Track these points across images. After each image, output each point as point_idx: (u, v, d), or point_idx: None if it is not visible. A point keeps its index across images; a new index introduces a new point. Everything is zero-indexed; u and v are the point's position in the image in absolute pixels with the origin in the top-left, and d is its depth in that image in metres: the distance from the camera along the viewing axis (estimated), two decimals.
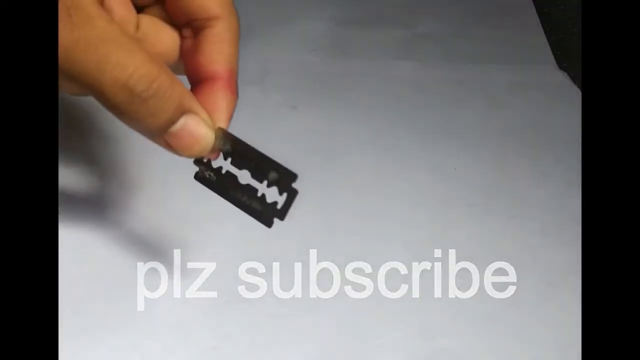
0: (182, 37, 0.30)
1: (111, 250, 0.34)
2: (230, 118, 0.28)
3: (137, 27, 0.29)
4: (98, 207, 0.36)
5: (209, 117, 0.27)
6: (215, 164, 0.29)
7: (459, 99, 0.49)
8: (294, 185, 0.27)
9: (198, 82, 0.29)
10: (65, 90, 0.29)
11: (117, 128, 0.40)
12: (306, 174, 0.28)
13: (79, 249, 0.34)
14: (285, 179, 0.27)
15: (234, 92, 0.29)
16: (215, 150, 0.28)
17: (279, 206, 0.28)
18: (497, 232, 0.39)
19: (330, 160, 0.42)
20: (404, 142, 0.45)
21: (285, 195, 0.28)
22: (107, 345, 0.30)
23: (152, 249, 0.34)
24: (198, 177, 0.29)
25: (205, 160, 0.29)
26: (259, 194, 0.28)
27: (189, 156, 0.28)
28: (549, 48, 0.55)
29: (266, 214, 0.28)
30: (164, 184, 0.38)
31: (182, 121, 0.26)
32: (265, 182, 0.28)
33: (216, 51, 0.29)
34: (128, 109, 0.25)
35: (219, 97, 0.28)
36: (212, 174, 0.29)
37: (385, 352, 0.32)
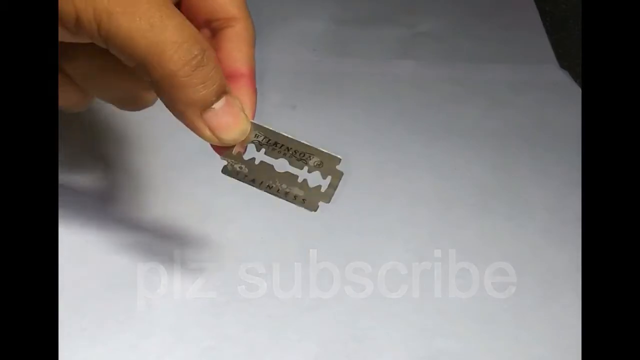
0: None
1: (111, 250, 0.34)
2: (254, 114, 0.28)
3: None
4: (98, 208, 0.36)
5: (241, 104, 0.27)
6: (246, 156, 0.28)
7: (459, 98, 0.49)
8: (338, 167, 0.27)
9: None
10: (108, 86, 0.28)
11: (119, 129, 0.40)
12: None
13: (79, 249, 0.34)
14: (329, 163, 0.27)
15: (255, 91, 0.29)
16: (247, 142, 0.28)
17: (322, 190, 0.28)
18: (497, 232, 0.39)
19: None
20: (404, 141, 0.44)
21: (329, 178, 0.27)
22: (107, 345, 0.30)
23: (152, 249, 0.34)
24: (227, 171, 0.29)
25: (234, 153, 0.28)
26: (300, 180, 0.28)
27: (227, 139, 0.27)
28: (550, 47, 0.55)
29: (310, 199, 0.28)
30: (164, 185, 0.38)
31: (223, 100, 0.26)
32: (306, 168, 0.28)
33: (237, 49, 0.29)
34: (180, 71, 0.25)
35: (243, 94, 0.28)
36: (243, 167, 0.28)
37: (385, 352, 0.32)
